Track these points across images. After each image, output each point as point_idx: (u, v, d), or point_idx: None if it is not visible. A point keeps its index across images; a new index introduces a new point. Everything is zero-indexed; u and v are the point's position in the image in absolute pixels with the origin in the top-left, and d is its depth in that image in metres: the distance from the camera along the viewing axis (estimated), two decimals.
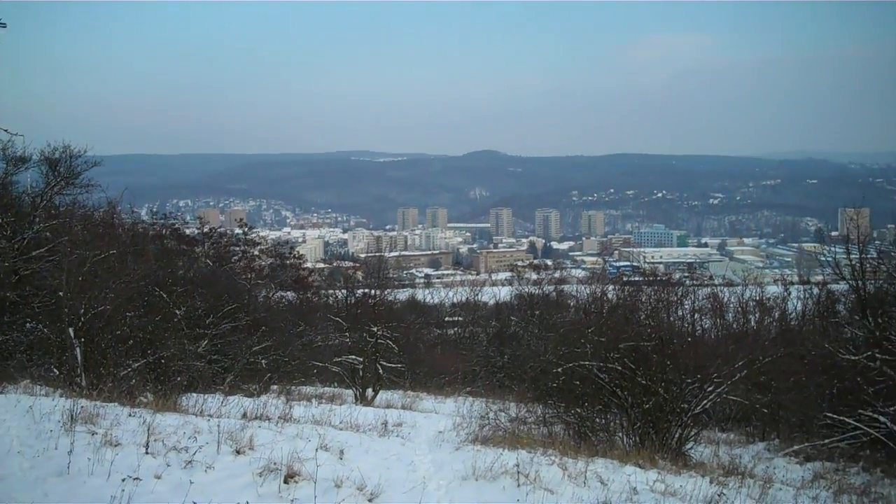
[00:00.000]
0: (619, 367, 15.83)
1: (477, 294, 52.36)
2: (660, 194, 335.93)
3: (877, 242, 26.54)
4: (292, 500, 8.57)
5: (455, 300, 54.42)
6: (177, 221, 53.55)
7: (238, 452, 9.85)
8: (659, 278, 57.31)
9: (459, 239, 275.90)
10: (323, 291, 48.82)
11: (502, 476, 10.31)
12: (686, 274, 74.56)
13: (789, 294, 38.53)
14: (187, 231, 50.37)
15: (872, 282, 22.81)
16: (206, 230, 50.15)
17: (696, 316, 38.25)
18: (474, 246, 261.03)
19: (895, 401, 16.63)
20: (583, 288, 43.55)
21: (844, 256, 23.45)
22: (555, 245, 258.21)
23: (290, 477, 9.10)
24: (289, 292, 47.81)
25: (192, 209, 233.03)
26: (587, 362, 16.43)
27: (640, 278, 60.70)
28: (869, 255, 23.01)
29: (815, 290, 35.32)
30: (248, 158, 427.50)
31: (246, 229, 53.77)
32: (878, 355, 18.64)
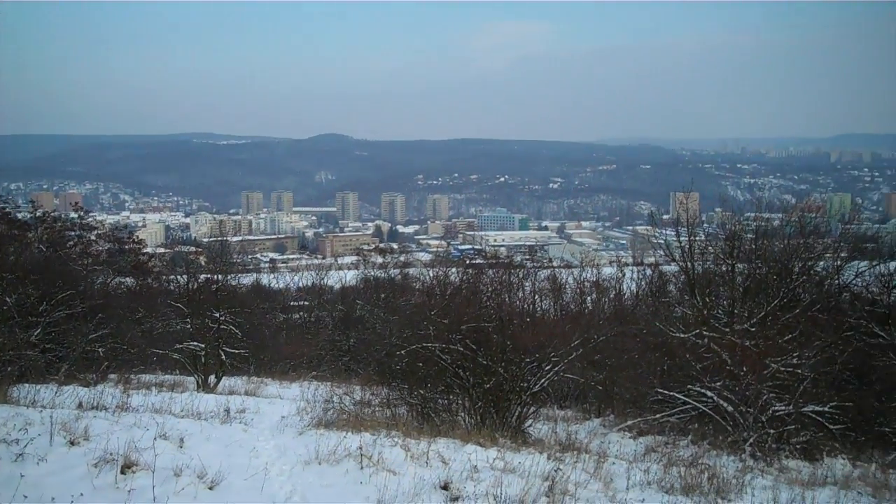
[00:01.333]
0: (462, 348, 16.06)
1: (323, 278, 51.91)
2: (502, 179, 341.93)
3: (705, 225, 27.70)
4: (129, 491, 8.33)
5: (301, 284, 53.81)
6: (7, 205, 50.81)
7: (72, 443, 9.49)
8: (501, 261, 58.28)
9: (305, 223, 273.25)
10: (164, 277, 47.40)
11: (346, 459, 10.32)
12: (527, 256, 76.05)
13: (624, 275, 39.92)
14: (19, 215, 47.94)
15: (700, 263, 23.87)
16: (38, 214, 47.79)
17: (536, 297, 39.19)
18: (320, 230, 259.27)
19: (721, 376, 17.45)
20: (427, 271, 43.87)
21: (675, 239, 24.41)
22: (401, 229, 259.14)
23: (126, 467, 8.84)
24: (128, 278, 46.24)
25: (24, 192, 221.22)
26: (430, 344, 16.59)
27: (483, 261, 61.61)
28: (697, 238, 24.02)
29: (648, 272, 36.76)
30: (83, 140, 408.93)
31: (82, 213, 51.60)
32: (705, 333, 19.59)
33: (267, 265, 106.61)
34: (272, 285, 55.27)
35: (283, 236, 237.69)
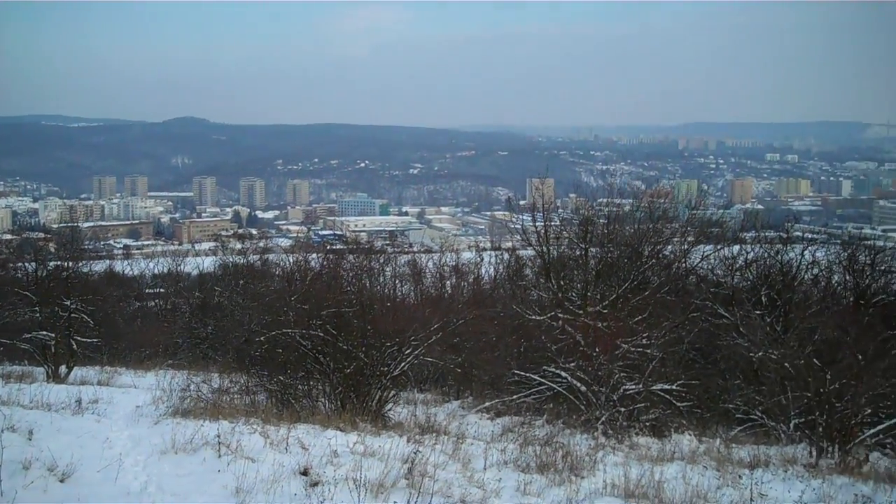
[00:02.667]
0: (322, 334, 16.02)
1: (179, 264, 50.73)
2: (363, 164, 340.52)
3: (560, 211, 28.41)
4: None
5: (156, 271, 52.45)
6: None
7: None
8: (362, 246, 58.19)
9: (161, 209, 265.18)
10: (11, 264, 45.40)
11: (203, 447, 10.17)
12: (387, 242, 76.27)
13: (482, 259, 40.52)
14: None
15: (555, 247, 24.45)
16: None
17: (397, 282, 39.32)
18: (177, 216, 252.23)
19: (575, 357, 17.95)
20: (287, 257, 43.41)
21: (531, 224, 24.90)
22: (260, 214, 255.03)
23: None
24: None
25: None
26: (290, 330, 16.49)
27: (344, 246, 61.36)
28: (553, 223, 24.57)
29: (506, 256, 37.44)
30: None
31: None
32: (560, 315, 20.09)
33: (121, 252, 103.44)
34: (126, 272, 53.71)
35: (137, 222, 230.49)
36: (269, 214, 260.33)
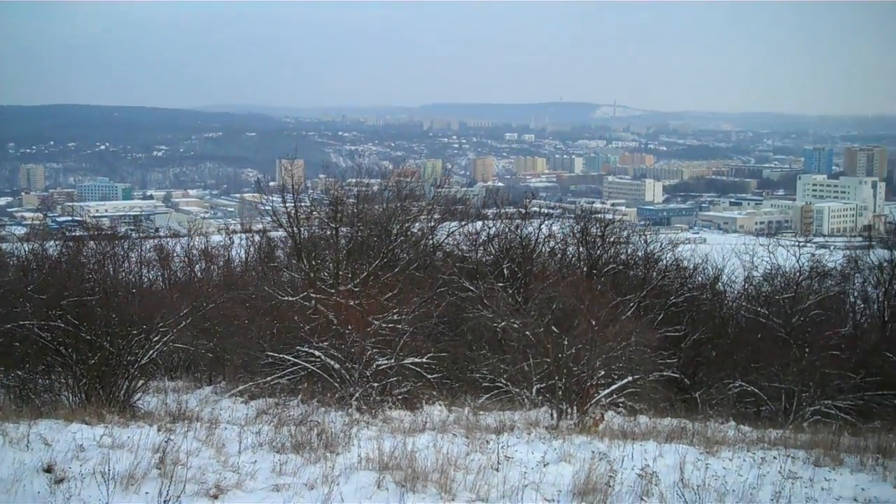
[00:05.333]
0: (63, 325, 15.27)
1: None
2: (103, 147, 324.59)
3: (310, 191, 28.56)
4: None
5: None
6: None
7: None
8: (104, 232, 55.49)
9: None
10: None
11: None
12: (132, 227, 73.28)
13: (232, 242, 39.85)
14: None
15: (307, 228, 24.51)
16: None
17: (143, 268, 37.90)
18: None
19: (328, 336, 18.08)
20: (23, 245, 40.74)
21: (282, 205, 24.81)
22: None
23: None
24: None
25: None
26: (27, 322, 15.60)
27: (85, 233, 58.28)
28: (303, 204, 24.62)
29: (257, 238, 37.01)
30: None
31: None
32: (312, 295, 20.18)
33: None
34: None
35: None
36: (1, 201, 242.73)
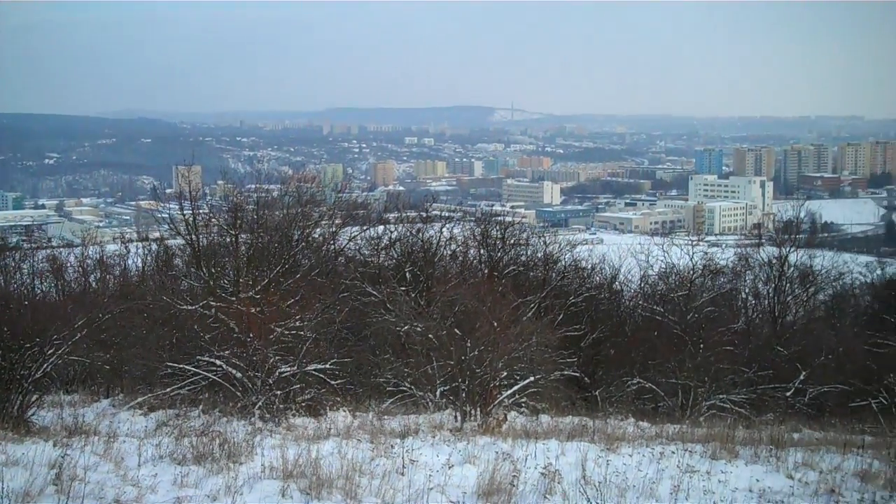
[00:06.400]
0: None
1: None
2: None
3: (208, 198, 28.17)
4: None
5: None
6: None
7: None
8: None
9: None
10: None
11: None
12: (24, 237, 70.88)
13: (129, 251, 38.94)
14: None
15: (205, 235, 24.14)
16: None
17: (35, 279, 36.77)
18: None
19: (229, 344, 17.84)
20: None
21: (179, 213, 24.40)
22: None
23: None
24: None
25: None
26: None
27: None
28: (201, 211, 24.25)
29: (154, 246, 36.24)
30: None
31: None
32: (212, 303, 19.88)
33: None
34: None
35: None
36: None
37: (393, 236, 28.56)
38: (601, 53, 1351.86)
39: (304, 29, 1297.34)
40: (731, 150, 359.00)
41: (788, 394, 23.89)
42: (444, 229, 29.44)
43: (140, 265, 36.29)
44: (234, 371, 16.77)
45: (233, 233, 22.74)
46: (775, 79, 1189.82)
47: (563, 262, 31.71)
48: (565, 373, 22.17)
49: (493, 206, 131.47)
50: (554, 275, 30.06)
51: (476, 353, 17.34)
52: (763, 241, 43.27)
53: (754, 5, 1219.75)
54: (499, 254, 29.96)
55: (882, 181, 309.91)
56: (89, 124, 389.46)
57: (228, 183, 30.21)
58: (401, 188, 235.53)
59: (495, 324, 18.17)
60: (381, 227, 29.67)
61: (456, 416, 16.44)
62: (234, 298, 20.06)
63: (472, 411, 16.69)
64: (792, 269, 33.91)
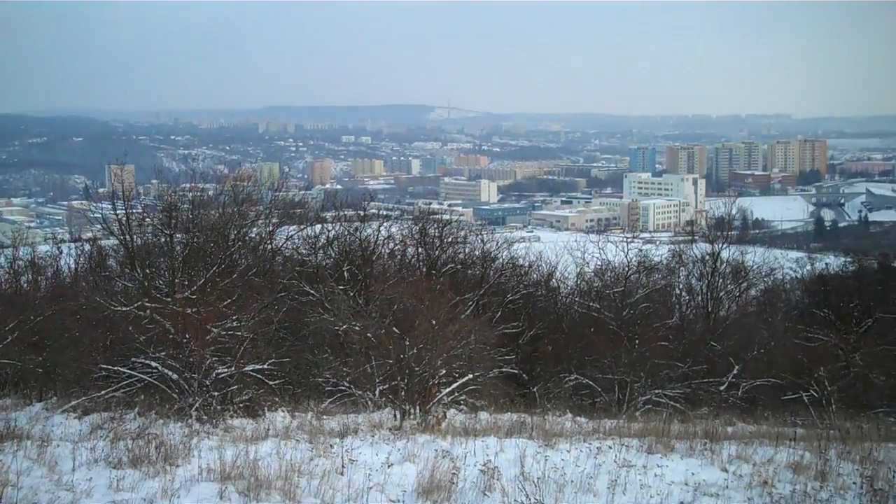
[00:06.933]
0: None
1: None
2: None
3: (142, 197, 27.75)
4: None
5: None
6: None
7: None
8: None
9: None
10: None
11: None
12: None
13: (61, 252, 38.24)
14: None
15: (140, 235, 23.83)
16: None
17: None
18: None
19: (165, 345, 17.65)
20: None
21: (112, 212, 24.04)
22: None
23: None
24: None
25: None
26: None
27: None
28: (135, 210, 23.92)
29: (87, 247, 35.63)
30: None
31: None
32: (147, 304, 19.61)
33: None
34: None
35: None
36: None
37: (331, 235, 28.47)
38: (536, 52, 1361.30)
39: (240, 27, 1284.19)
40: (665, 149, 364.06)
41: (722, 388, 24.31)
42: (382, 228, 29.42)
43: (73, 266, 35.66)
44: (170, 373, 16.59)
45: (167, 232, 22.48)
46: (707, 78, 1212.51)
47: (501, 260, 31.94)
48: (504, 370, 22.33)
49: (430, 204, 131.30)
50: (492, 272, 30.24)
51: (415, 351, 17.39)
52: (696, 237, 44.10)
53: (686, 5, 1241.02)
54: (437, 252, 30.05)
55: (811, 178, 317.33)
56: (20, 122, 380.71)
57: (163, 182, 29.86)
58: (338, 187, 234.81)
59: (434, 322, 18.22)
60: (318, 226, 29.54)
61: (395, 415, 16.48)
62: (169, 299, 19.81)
63: (412, 410, 16.74)
64: (724, 265, 34.57)
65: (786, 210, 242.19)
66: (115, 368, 17.56)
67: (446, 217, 35.75)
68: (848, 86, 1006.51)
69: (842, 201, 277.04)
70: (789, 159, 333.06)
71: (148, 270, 21.96)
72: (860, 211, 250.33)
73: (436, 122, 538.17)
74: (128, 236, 23.06)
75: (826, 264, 52.38)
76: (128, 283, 23.10)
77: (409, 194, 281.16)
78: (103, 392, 17.33)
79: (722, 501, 10.73)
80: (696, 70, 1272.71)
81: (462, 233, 32.98)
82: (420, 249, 30.34)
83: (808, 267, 51.58)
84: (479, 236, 32.99)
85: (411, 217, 36.15)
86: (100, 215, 25.13)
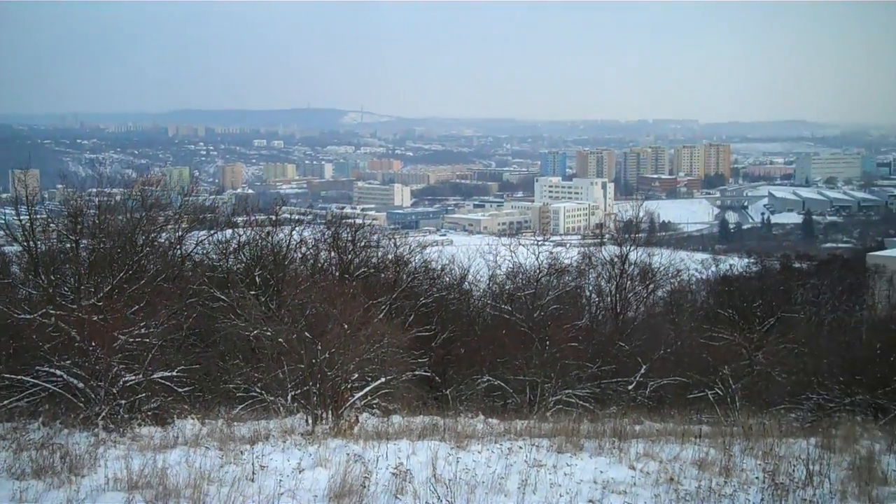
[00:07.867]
0: None
1: None
2: None
3: (47, 203, 27.15)
4: None
5: None
6: None
7: None
8: None
9: None
10: None
11: None
12: None
13: None
14: None
15: (44, 241, 23.30)
16: None
17: None
18: None
19: (70, 353, 17.28)
20: None
21: (15, 218, 23.47)
22: None
23: None
24: None
25: None
26: None
27: None
28: (39, 216, 23.40)
29: None
30: None
31: None
32: (52, 312, 19.18)
33: None
34: None
35: None
36: None
37: (242, 240, 28.20)
38: (448, 57, 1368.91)
39: (148, 28, 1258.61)
40: (575, 153, 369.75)
41: (630, 387, 24.81)
42: (294, 232, 29.29)
43: None
44: (75, 381, 16.25)
45: (73, 238, 22.03)
46: (615, 84, 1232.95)
47: (414, 264, 32.07)
48: (417, 373, 22.41)
49: (343, 208, 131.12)
50: (405, 276, 30.34)
51: (327, 355, 17.34)
52: (605, 240, 44.93)
53: (594, 11, 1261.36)
54: (350, 256, 30.03)
55: (715, 182, 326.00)
56: None
57: (68, 187, 29.21)
58: (250, 191, 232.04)
59: (346, 326, 18.23)
60: (229, 231, 29.24)
61: (307, 420, 16.41)
62: (74, 306, 19.42)
63: (324, 414, 16.69)
64: (632, 266, 35.34)
65: (692, 213, 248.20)
66: (19, 377, 17.13)
67: (359, 221, 35.75)
68: (752, 91, 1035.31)
69: (745, 204, 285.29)
70: (695, 163, 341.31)
71: (53, 277, 21.49)
72: (763, 213, 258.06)
73: (349, 126, 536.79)
74: (32, 242, 22.50)
75: (730, 265, 54.04)
76: (32, 290, 22.53)
77: (322, 199, 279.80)
78: (6, 402, 16.89)
79: (630, 498, 10.97)
80: (605, 76, 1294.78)
81: (375, 237, 33.04)
82: (332, 254, 30.26)
83: (713, 268, 53.08)
84: (393, 240, 33.08)
85: (324, 221, 36.04)
86: (2, 221, 24.46)
